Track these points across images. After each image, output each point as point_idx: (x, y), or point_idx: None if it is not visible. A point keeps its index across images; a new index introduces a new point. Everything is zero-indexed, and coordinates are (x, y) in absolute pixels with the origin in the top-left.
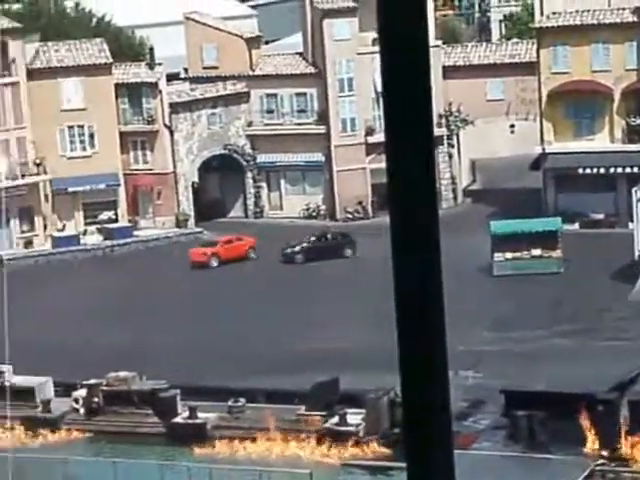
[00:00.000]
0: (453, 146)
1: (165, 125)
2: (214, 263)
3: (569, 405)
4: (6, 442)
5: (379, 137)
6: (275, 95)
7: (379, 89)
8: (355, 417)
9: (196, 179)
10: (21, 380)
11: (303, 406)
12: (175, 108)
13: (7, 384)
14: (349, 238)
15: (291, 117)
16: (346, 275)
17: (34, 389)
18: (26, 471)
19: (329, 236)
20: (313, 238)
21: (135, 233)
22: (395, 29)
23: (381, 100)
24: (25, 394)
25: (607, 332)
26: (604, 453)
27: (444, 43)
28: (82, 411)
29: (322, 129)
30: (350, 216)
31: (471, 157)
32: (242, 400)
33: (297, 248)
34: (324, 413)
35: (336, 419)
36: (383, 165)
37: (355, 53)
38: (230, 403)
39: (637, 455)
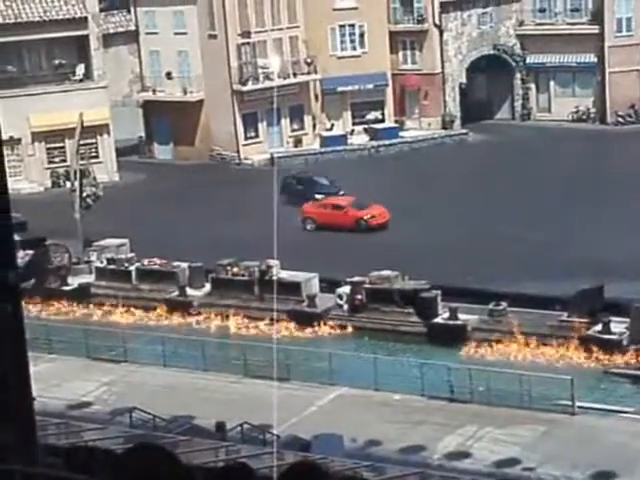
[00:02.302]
0: None
1: (435, 24)
2: None
3: None
4: (274, 333)
5: None
6: None
7: None
8: (619, 325)
9: (464, 80)
10: (288, 275)
11: (565, 312)
12: (446, 7)
13: (275, 278)
14: None
15: (564, 16)
16: None
17: (300, 284)
18: (293, 363)
19: None
20: None
21: (400, 134)
22: None
23: None
24: (292, 288)
25: None
26: None
27: None
28: (345, 307)
29: (595, 29)
30: (621, 120)
31: None
32: (504, 304)
33: None
34: (587, 320)
35: (599, 327)
36: None
37: None
38: (491, 306)
39: None
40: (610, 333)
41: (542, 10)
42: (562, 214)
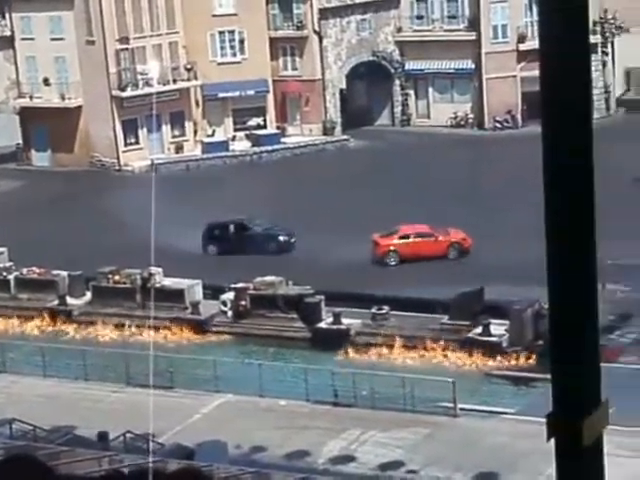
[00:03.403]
0: (607, 54)
1: (314, 31)
2: None
3: None
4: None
5: (531, 44)
6: (425, 0)
7: None
8: (499, 328)
9: (344, 86)
10: (171, 282)
11: (447, 315)
12: (325, 14)
13: (157, 286)
14: None
15: (441, 23)
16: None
17: (184, 291)
18: (177, 371)
19: None
20: None
21: (282, 140)
22: None
23: (534, 6)
24: (175, 296)
25: None
26: None
27: None
28: (230, 314)
29: (472, 36)
30: (499, 125)
31: (626, 66)
32: (386, 308)
33: None
34: (468, 323)
35: (480, 329)
36: (534, 73)
37: None
38: (374, 310)
39: None
40: (490, 335)
41: (420, 17)
42: (441, 218)
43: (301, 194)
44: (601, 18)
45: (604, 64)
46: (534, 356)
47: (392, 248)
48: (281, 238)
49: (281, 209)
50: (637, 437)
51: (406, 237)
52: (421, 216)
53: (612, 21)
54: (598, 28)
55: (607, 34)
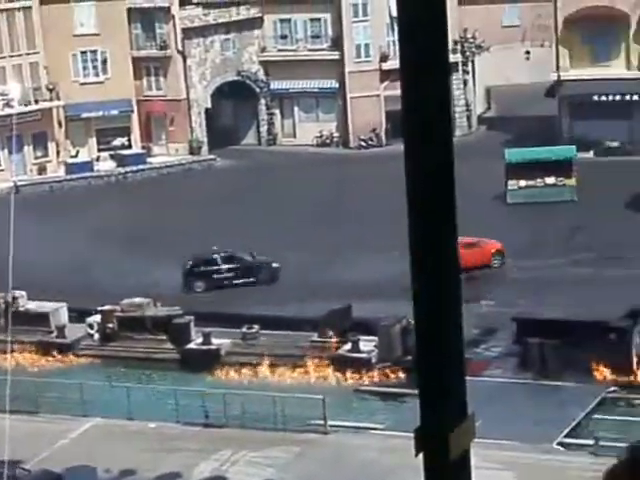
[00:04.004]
0: (468, 73)
1: (178, 51)
2: None
3: (581, 333)
4: (21, 364)
5: (393, 63)
6: (289, 20)
7: (394, 14)
8: (368, 344)
9: (209, 105)
10: (35, 306)
11: (316, 333)
12: (188, 33)
13: (22, 309)
14: None
15: (305, 43)
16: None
17: (48, 314)
18: (42, 395)
19: None
20: None
21: (148, 160)
22: None
23: (396, 26)
24: (40, 319)
25: (620, 261)
26: (616, 380)
27: None
28: (97, 337)
29: (336, 55)
30: (364, 144)
31: (486, 84)
32: (256, 326)
33: None
34: (337, 340)
35: (349, 346)
36: (397, 92)
37: None
38: (244, 329)
39: None
40: (359, 352)
41: (284, 36)
42: (307, 237)
43: (166, 214)
44: (461, 37)
45: (465, 82)
46: (403, 371)
47: None
48: (274, 265)
49: (145, 230)
50: (503, 450)
51: None
52: (285, 236)
53: (472, 40)
54: (458, 47)
55: (467, 53)
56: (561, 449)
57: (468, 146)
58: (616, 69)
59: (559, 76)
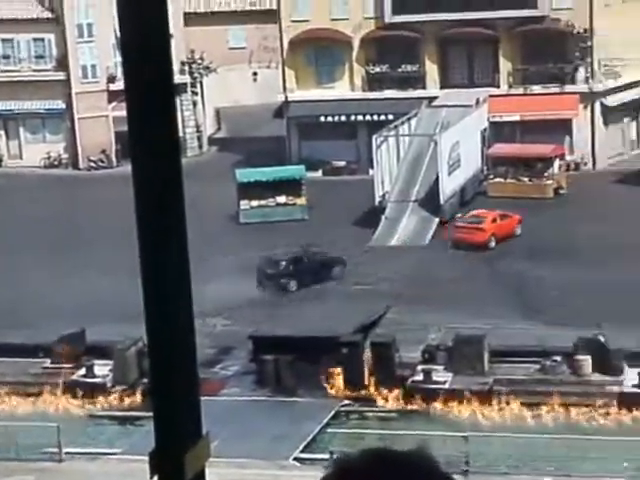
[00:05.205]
0: (197, 94)
1: None
2: None
3: (315, 348)
4: None
5: (121, 84)
6: (11, 40)
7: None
8: (103, 368)
9: None
10: None
11: (49, 359)
12: None
13: None
14: None
15: (29, 63)
16: None
17: None
18: None
19: None
20: None
21: None
22: None
23: None
24: None
25: (349, 277)
26: (349, 394)
27: None
28: None
29: (62, 75)
30: (93, 165)
31: (215, 105)
32: None
33: None
34: (71, 365)
35: (83, 370)
36: (125, 113)
37: None
38: None
39: (379, 394)
40: (94, 376)
41: (6, 57)
42: (31, 260)
43: None
44: (188, 58)
45: (194, 104)
46: (139, 394)
47: (492, 232)
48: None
49: None
50: (241, 467)
51: (492, 221)
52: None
53: (200, 61)
54: (186, 68)
55: (195, 74)
56: (297, 464)
57: (200, 167)
58: (341, 90)
59: (286, 97)
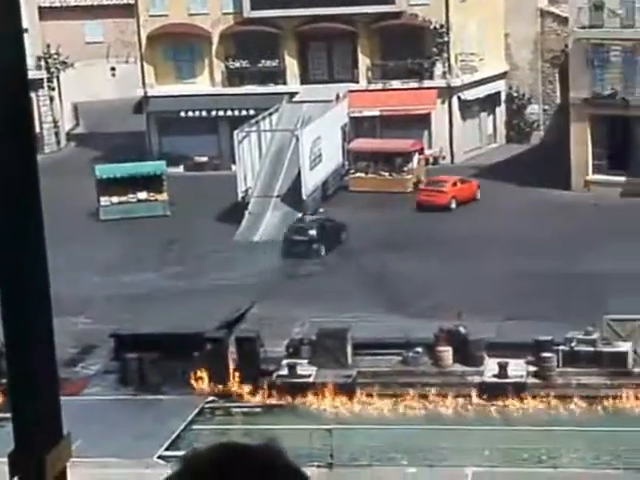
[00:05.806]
0: (54, 89)
1: None
2: None
3: (179, 345)
4: None
5: None
6: None
7: None
8: None
9: None
10: None
11: None
12: None
13: None
14: None
15: None
16: None
17: None
18: None
19: None
20: None
21: None
22: None
23: None
24: None
25: (213, 273)
26: (214, 390)
27: None
28: None
29: None
30: None
31: (73, 100)
32: None
33: None
34: None
35: None
36: None
37: None
38: None
39: (244, 390)
40: None
41: None
42: None
43: None
44: (45, 53)
45: (52, 99)
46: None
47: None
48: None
49: None
50: (104, 467)
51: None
52: None
53: (56, 56)
54: (42, 63)
55: (52, 69)
56: (161, 462)
57: (58, 163)
58: (201, 85)
59: (145, 92)
